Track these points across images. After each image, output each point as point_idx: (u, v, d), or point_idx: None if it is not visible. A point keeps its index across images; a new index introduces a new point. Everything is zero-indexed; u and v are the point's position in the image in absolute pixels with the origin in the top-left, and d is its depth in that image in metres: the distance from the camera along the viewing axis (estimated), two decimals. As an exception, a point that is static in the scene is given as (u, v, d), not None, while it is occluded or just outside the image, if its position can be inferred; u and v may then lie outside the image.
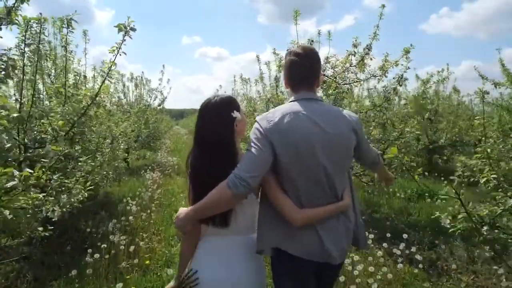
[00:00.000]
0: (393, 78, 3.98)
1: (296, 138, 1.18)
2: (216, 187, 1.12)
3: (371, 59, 3.96)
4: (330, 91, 3.86)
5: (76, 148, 2.67)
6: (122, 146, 4.31)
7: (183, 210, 1.20)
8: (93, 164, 2.91)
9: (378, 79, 4.07)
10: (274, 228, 1.23)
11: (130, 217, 3.66)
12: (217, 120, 1.23)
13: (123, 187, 6.33)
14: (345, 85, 3.93)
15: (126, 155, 7.47)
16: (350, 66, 4.06)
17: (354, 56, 4.02)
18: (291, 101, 1.31)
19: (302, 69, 1.32)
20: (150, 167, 7.53)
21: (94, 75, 4.49)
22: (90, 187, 2.22)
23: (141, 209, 4.26)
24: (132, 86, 8.60)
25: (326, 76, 4.12)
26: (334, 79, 4.02)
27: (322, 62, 3.96)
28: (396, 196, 5.25)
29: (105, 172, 3.59)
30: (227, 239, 1.27)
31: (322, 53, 4.73)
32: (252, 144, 1.18)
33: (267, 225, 1.24)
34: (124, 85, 8.61)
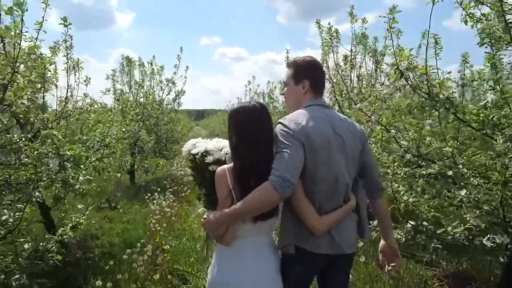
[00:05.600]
0: None
1: (319, 142, 1.21)
2: (257, 189, 1.12)
3: None
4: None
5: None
6: (85, 171, 2.05)
7: (212, 214, 1.20)
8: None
9: None
10: (294, 228, 1.27)
11: None
12: (268, 121, 1.29)
13: (116, 227, 4.12)
14: None
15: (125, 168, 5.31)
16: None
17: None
18: (310, 106, 1.32)
19: (324, 77, 1.43)
20: (160, 187, 5.32)
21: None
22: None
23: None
24: (125, 68, 6.29)
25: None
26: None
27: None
28: None
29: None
30: (250, 240, 1.27)
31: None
32: (284, 145, 1.17)
33: (290, 224, 1.28)
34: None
